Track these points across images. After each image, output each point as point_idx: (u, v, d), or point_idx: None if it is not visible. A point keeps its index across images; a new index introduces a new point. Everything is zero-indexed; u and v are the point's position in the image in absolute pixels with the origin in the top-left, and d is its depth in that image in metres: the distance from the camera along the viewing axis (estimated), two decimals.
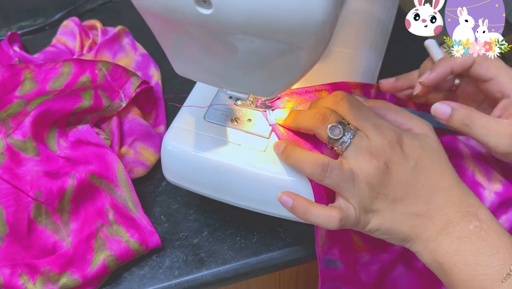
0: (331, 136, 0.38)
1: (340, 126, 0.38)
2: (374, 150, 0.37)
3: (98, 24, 0.69)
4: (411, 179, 0.38)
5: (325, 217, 0.37)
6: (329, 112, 0.39)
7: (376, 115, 0.40)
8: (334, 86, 0.46)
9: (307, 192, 0.42)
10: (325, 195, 0.42)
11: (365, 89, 0.49)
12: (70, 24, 0.69)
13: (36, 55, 0.66)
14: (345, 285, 0.47)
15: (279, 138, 0.44)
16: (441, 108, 0.42)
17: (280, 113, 0.44)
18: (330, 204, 0.40)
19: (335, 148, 0.38)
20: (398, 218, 0.38)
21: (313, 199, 0.42)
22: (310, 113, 0.40)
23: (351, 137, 0.38)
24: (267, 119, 0.46)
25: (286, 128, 0.44)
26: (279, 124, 0.44)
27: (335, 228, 0.37)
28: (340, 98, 0.40)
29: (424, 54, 0.47)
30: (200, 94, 0.50)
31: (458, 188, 0.39)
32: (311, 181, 0.41)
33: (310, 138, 0.43)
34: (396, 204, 0.38)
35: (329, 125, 0.38)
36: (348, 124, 0.38)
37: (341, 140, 0.38)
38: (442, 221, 0.38)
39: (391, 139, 0.38)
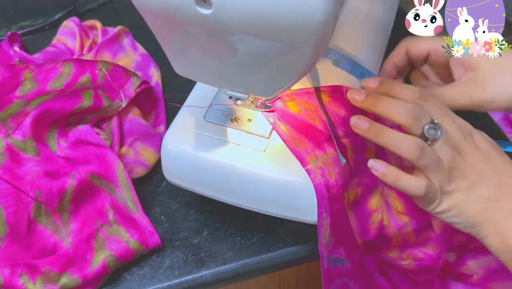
0: (428, 136, 0.41)
1: (434, 127, 0.41)
2: (453, 142, 0.42)
3: (98, 24, 0.69)
4: (483, 166, 0.42)
5: (415, 182, 0.41)
6: (421, 113, 0.42)
7: (450, 111, 0.44)
8: (334, 89, 0.46)
9: (308, 192, 0.42)
10: (326, 195, 0.42)
11: None
12: (70, 24, 0.69)
13: (36, 55, 0.67)
14: (353, 280, 0.47)
15: (281, 137, 0.44)
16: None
17: (356, 93, 0.45)
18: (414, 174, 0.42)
19: (427, 143, 0.42)
20: (470, 200, 0.41)
21: (314, 199, 0.42)
22: (400, 109, 0.42)
23: (440, 134, 0.41)
24: (267, 119, 0.46)
25: (292, 127, 0.44)
26: (354, 104, 0.44)
27: (421, 195, 0.40)
28: (426, 96, 0.43)
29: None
30: (200, 94, 0.50)
31: None
32: (313, 180, 0.42)
33: (313, 137, 0.43)
34: (470, 187, 0.41)
35: (426, 127, 0.41)
36: (436, 122, 0.42)
37: (433, 138, 0.41)
38: (511, 204, 0.41)
39: (465, 133, 0.43)
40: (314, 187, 0.42)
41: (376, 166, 0.42)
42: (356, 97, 0.44)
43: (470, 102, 0.49)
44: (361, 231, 0.48)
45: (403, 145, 0.41)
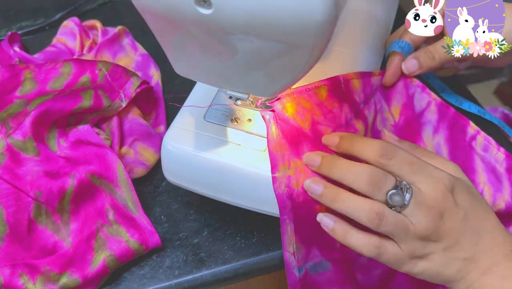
0: (392, 204, 0.38)
1: (399, 192, 0.38)
2: (429, 203, 0.38)
3: (98, 24, 0.69)
4: (462, 226, 0.38)
5: (364, 241, 0.38)
6: (382, 178, 0.38)
7: (425, 163, 0.39)
8: (332, 81, 0.46)
9: None
10: (289, 204, 0.42)
11: (365, 79, 0.49)
12: (70, 24, 0.69)
13: (36, 55, 0.66)
14: (342, 285, 0.46)
15: (267, 136, 0.43)
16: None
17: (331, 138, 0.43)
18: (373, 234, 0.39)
19: (396, 209, 0.38)
20: (445, 263, 0.39)
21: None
22: (356, 175, 0.38)
23: (409, 198, 0.38)
24: (263, 116, 0.45)
25: (280, 131, 0.43)
26: (311, 169, 0.42)
27: (374, 256, 0.38)
28: (392, 152, 0.39)
29: None
30: (200, 94, 0.50)
31: (499, 228, 0.40)
32: (275, 189, 0.42)
33: (295, 146, 0.43)
34: (446, 250, 0.39)
35: (390, 193, 0.38)
36: (403, 183, 0.38)
37: (400, 204, 0.38)
38: (486, 262, 0.38)
39: (444, 189, 0.38)
40: (276, 196, 0.41)
41: (326, 221, 0.40)
42: (312, 163, 0.41)
43: None
44: None
45: (360, 212, 0.38)
